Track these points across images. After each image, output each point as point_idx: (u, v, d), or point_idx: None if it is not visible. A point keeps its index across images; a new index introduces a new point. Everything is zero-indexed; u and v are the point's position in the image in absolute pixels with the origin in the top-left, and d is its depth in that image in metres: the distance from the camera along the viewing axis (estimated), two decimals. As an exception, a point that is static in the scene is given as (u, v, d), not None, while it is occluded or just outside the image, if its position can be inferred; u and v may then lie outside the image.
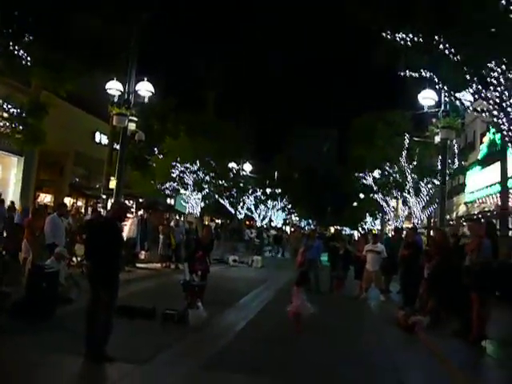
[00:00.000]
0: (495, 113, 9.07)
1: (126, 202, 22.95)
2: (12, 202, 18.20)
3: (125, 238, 18.70)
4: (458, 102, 10.25)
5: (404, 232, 24.90)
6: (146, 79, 17.86)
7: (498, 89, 8.74)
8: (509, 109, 8.76)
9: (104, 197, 21.14)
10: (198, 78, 44.82)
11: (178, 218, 28.33)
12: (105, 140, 30.91)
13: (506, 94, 8.72)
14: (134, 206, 28.58)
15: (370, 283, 15.93)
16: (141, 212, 24.11)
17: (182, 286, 10.46)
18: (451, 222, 22.67)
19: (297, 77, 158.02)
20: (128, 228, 19.34)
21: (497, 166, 24.55)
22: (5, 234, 14.16)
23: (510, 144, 9.14)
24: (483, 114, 9.57)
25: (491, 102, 8.94)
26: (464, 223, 38.39)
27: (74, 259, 16.10)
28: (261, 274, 23.07)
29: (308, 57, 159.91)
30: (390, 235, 23.68)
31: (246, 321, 11.53)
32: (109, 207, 20.06)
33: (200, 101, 41.51)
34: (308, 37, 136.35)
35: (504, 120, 8.84)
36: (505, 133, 9.03)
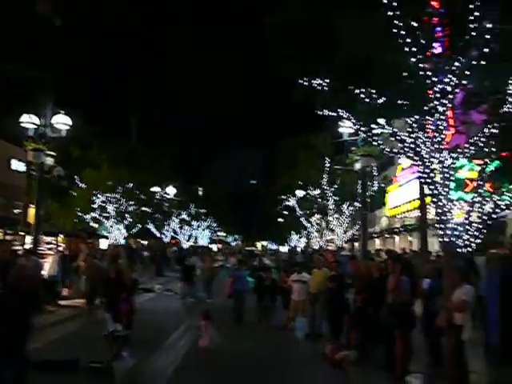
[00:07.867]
0: (410, 154, 9.34)
1: (46, 238, 22.10)
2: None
3: (46, 276, 18.06)
4: (375, 143, 10.48)
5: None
6: (63, 112, 17.31)
7: (413, 135, 9.03)
8: (423, 152, 9.04)
9: (22, 233, 20.24)
10: (121, 103, 44.43)
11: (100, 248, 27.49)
12: (22, 167, 29.80)
13: (421, 139, 9.02)
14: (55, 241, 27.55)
15: (296, 313, 16.01)
16: (61, 248, 23.18)
17: (105, 339, 10.11)
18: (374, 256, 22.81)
19: (221, 98, 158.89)
20: (49, 265, 18.69)
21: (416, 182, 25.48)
22: None
23: (425, 185, 9.40)
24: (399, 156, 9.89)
25: (406, 144, 9.19)
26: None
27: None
28: (190, 303, 22.53)
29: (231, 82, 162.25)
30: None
31: (175, 366, 11.27)
32: (26, 244, 19.26)
33: (124, 127, 41.03)
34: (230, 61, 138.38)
35: (419, 163, 9.12)
36: (420, 175, 9.31)
